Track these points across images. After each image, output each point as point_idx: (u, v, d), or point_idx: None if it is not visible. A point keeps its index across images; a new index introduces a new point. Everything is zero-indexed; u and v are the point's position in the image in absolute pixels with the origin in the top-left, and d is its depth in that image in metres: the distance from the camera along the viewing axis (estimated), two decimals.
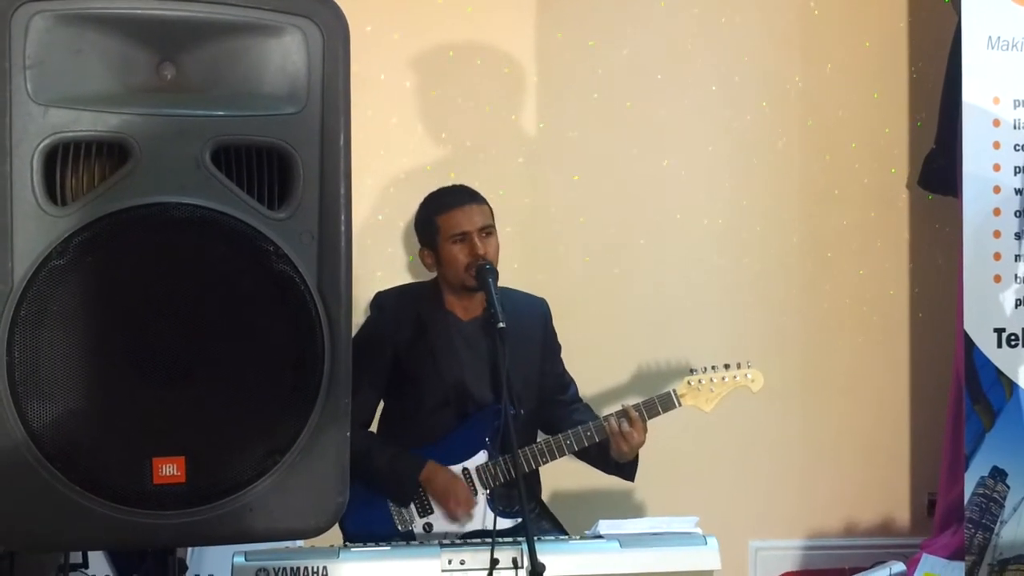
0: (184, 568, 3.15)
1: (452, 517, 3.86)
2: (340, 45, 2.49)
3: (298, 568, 3.17)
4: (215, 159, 2.40)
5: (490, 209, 3.95)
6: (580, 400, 4.19)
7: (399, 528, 3.88)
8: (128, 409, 2.37)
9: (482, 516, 3.87)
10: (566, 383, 4.17)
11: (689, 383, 4.01)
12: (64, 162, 2.31)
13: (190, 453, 2.41)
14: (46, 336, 2.31)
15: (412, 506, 3.89)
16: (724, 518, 4.46)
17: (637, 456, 3.98)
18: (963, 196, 4.56)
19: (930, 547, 4.79)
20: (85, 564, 3.42)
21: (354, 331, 2.73)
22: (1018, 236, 4.56)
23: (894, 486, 5.22)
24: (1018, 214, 4.55)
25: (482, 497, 3.90)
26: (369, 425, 4.00)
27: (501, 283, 3.88)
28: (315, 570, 3.18)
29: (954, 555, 4.64)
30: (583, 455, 3.99)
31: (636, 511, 4.76)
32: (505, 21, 4.91)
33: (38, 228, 2.30)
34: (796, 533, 5.14)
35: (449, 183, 4.05)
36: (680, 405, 3.99)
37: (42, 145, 2.29)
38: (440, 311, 3.98)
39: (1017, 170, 4.55)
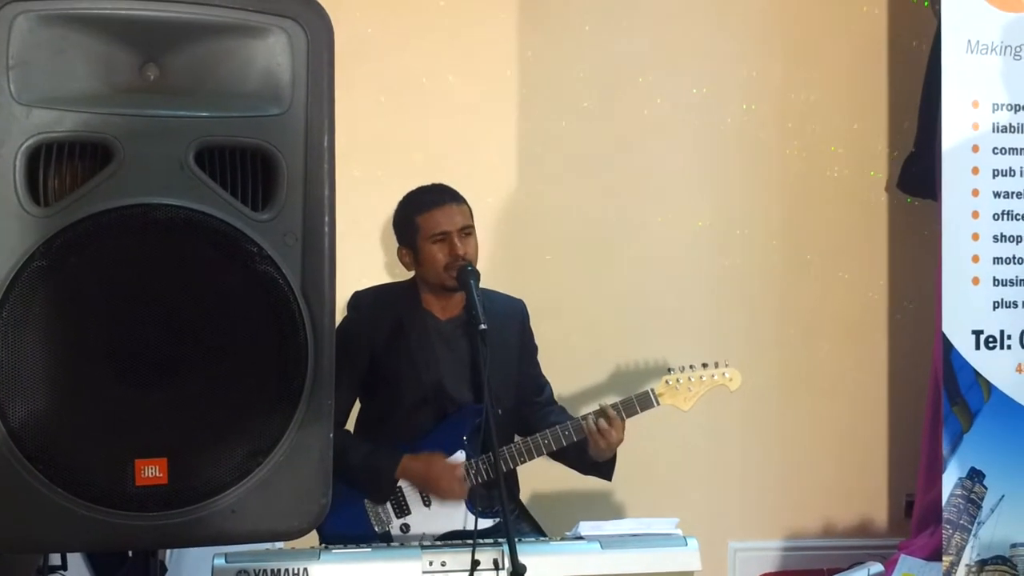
0: (164, 570, 3.13)
1: (446, 497, 3.85)
2: (324, 46, 2.48)
3: (278, 570, 3.16)
4: (199, 160, 2.39)
5: (469, 209, 3.95)
6: (555, 402, 4.18)
7: (376, 529, 3.88)
8: (110, 410, 2.36)
9: (462, 516, 3.87)
10: (541, 384, 4.17)
11: (667, 382, 4.02)
12: (47, 163, 2.30)
13: (173, 455, 2.40)
14: (28, 337, 2.29)
15: (389, 507, 3.89)
16: (703, 519, 4.47)
17: (615, 455, 3.98)
18: (942, 199, 4.58)
19: (908, 548, 4.81)
20: (64, 566, 3.40)
21: None
22: (996, 239, 4.57)
23: (872, 487, 5.25)
24: (996, 217, 4.57)
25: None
26: (344, 425, 3.98)
27: (485, 281, 3.89)
28: (295, 572, 3.17)
29: (932, 556, 4.66)
30: (560, 456, 3.99)
31: (616, 512, 4.77)
32: (487, 22, 4.91)
33: (20, 229, 2.28)
34: (775, 534, 5.17)
35: (429, 183, 4.05)
36: (658, 404, 3.99)
37: (25, 145, 2.27)
38: (418, 311, 3.97)
39: (996, 173, 4.57)
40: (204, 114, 2.40)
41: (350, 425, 4.06)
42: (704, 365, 4.05)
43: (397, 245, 4.01)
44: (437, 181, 4.02)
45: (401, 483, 3.89)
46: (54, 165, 2.31)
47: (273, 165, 2.45)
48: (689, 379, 4.04)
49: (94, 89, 2.33)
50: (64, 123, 2.30)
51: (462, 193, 3.98)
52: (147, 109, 2.35)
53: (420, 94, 4.86)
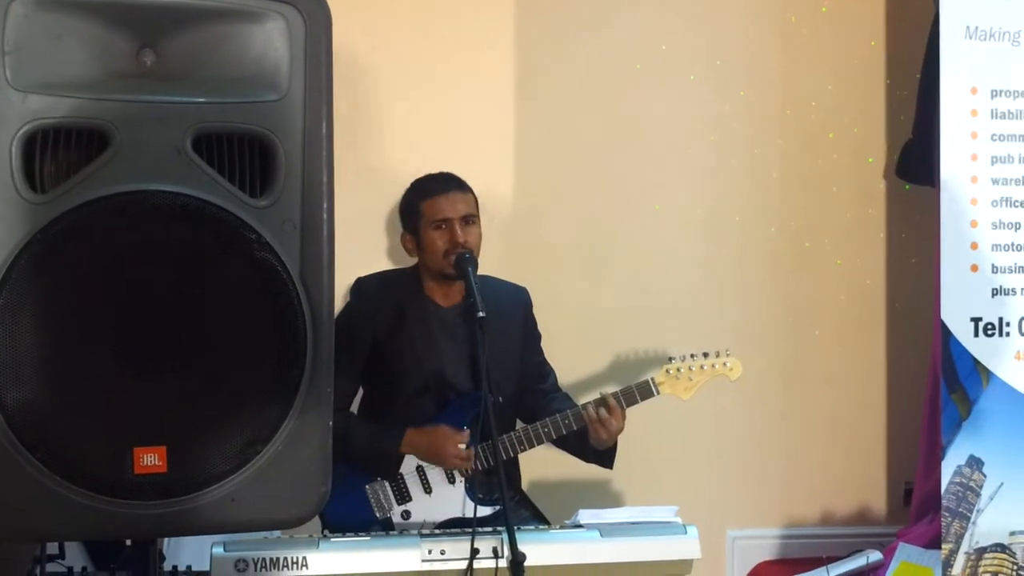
0: (162, 559, 3.12)
1: (449, 464, 3.87)
2: (322, 33, 2.46)
3: (277, 559, 3.17)
4: (196, 146, 2.37)
5: (475, 198, 3.96)
6: (559, 389, 4.19)
7: (377, 515, 3.88)
8: (109, 398, 2.35)
9: (462, 503, 3.87)
10: (545, 372, 4.17)
11: (667, 371, 4.02)
12: (44, 149, 2.28)
13: (171, 443, 2.38)
14: (25, 324, 2.28)
15: (391, 493, 3.89)
16: (702, 507, 4.45)
17: (615, 443, 3.99)
18: (940, 186, 4.57)
19: (907, 536, 4.81)
20: (62, 555, 3.39)
21: None
22: (995, 226, 4.57)
23: (871, 475, 5.24)
24: (995, 204, 4.56)
25: (460, 485, 3.90)
26: (347, 411, 3.98)
27: (484, 271, 3.89)
28: (295, 560, 3.17)
29: (931, 544, 4.66)
30: (562, 443, 4.00)
31: (615, 501, 4.76)
32: (484, 12, 4.90)
33: (17, 215, 2.26)
34: (774, 522, 5.16)
35: (433, 172, 4.05)
36: (658, 393, 3.99)
37: (21, 131, 2.26)
38: (420, 298, 3.98)
39: (994, 160, 4.56)
40: (201, 100, 2.38)
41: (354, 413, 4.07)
42: (705, 354, 4.05)
43: (401, 231, 4.01)
44: (437, 170, 4.02)
45: (402, 470, 3.90)
46: (50, 151, 2.29)
47: (270, 151, 2.43)
48: (690, 368, 4.03)
49: (90, 75, 2.32)
50: (60, 109, 2.29)
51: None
52: (144, 95, 2.34)
53: (420, 85, 4.84)
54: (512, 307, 4.06)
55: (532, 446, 3.91)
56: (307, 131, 2.46)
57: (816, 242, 5.18)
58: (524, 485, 4.18)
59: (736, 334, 4.42)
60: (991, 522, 4.55)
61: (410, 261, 4.07)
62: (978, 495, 4.54)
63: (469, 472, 3.88)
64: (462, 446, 3.85)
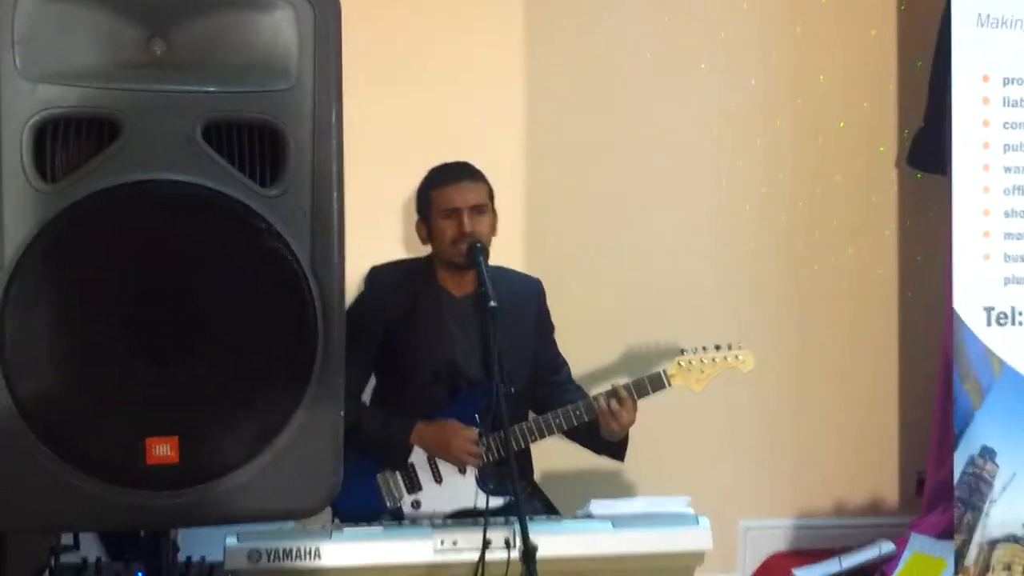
0: (176, 549, 3.13)
1: (458, 459, 3.87)
2: (332, 21, 2.46)
3: (291, 549, 3.16)
4: (206, 135, 2.37)
5: (488, 188, 3.96)
6: (572, 381, 4.19)
7: (388, 504, 3.89)
8: (121, 389, 2.34)
9: (473, 494, 3.87)
10: (559, 364, 4.17)
11: (679, 363, 4.02)
12: (54, 138, 2.28)
13: (184, 433, 2.38)
14: (37, 315, 2.28)
15: (401, 483, 3.90)
16: (714, 498, 4.46)
17: (627, 436, 3.99)
18: (952, 174, 4.56)
19: (919, 526, 4.80)
20: (76, 546, 3.39)
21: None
22: (1007, 214, 4.55)
23: (883, 465, 5.24)
24: (1007, 192, 4.55)
25: (471, 475, 3.90)
26: (358, 398, 3.99)
27: (498, 263, 3.88)
28: (308, 551, 3.17)
29: (943, 534, 4.65)
30: (573, 434, 4.00)
31: (627, 491, 4.77)
32: (492, 3, 4.90)
33: (28, 206, 2.26)
34: (786, 513, 5.17)
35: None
36: (670, 385, 3.99)
37: (31, 121, 2.26)
38: (432, 287, 3.99)
39: (1006, 148, 4.55)
40: (211, 89, 2.37)
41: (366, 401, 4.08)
42: (717, 347, 4.05)
43: (416, 218, 4.02)
44: (449, 160, 4.03)
45: (413, 459, 3.90)
46: (61, 141, 2.29)
47: (280, 140, 2.43)
48: (702, 361, 4.03)
49: (100, 64, 2.31)
50: (70, 98, 2.28)
51: None
52: (154, 84, 2.33)
53: (430, 76, 4.84)
54: (525, 298, 4.07)
55: (543, 437, 3.91)
56: (317, 120, 2.45)
57: (827, 231, 5.18)
58: (536, 475, 4.18)
59: (747, 324, 4.39)
60: (1004, 513, 4.54)
61: (426, 249, 4.07)
62: (991, 486, 4.53)
63: (478, 466, 3.88)
64: (471, 442, 3.85)
